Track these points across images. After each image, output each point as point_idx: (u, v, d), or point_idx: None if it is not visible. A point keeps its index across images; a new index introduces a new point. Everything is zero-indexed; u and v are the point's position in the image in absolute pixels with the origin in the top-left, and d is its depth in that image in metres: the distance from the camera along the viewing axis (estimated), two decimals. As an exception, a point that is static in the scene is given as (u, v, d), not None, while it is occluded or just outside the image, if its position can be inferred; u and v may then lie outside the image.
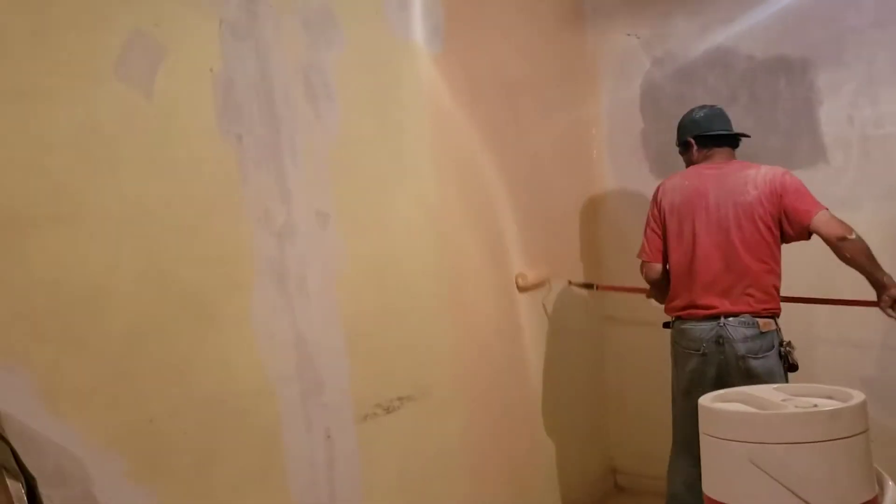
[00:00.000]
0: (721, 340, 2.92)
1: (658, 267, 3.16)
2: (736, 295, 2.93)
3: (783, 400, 1.82)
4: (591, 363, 4.10)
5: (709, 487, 1.87)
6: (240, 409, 2.19)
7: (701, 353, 2.97)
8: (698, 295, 2.99)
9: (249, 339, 2.23)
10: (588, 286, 3.90)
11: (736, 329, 2.90)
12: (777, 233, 2.94)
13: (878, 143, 3.43)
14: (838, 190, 3.47)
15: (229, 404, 2.16)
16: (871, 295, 2.84)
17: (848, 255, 2.78)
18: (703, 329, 2.97)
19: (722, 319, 2.93)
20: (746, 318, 2.91)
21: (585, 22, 4.09)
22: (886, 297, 2.77)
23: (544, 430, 3.65)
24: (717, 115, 3.16)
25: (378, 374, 2.67)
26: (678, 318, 3.08)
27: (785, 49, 3.60)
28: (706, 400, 1.97)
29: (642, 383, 4.04)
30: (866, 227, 3.36)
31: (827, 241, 2.81)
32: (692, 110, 3.22)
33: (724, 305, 2.94)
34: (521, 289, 3.48)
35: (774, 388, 1.97)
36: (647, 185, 3.99)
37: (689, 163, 3.20)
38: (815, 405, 1.76)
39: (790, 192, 2.90)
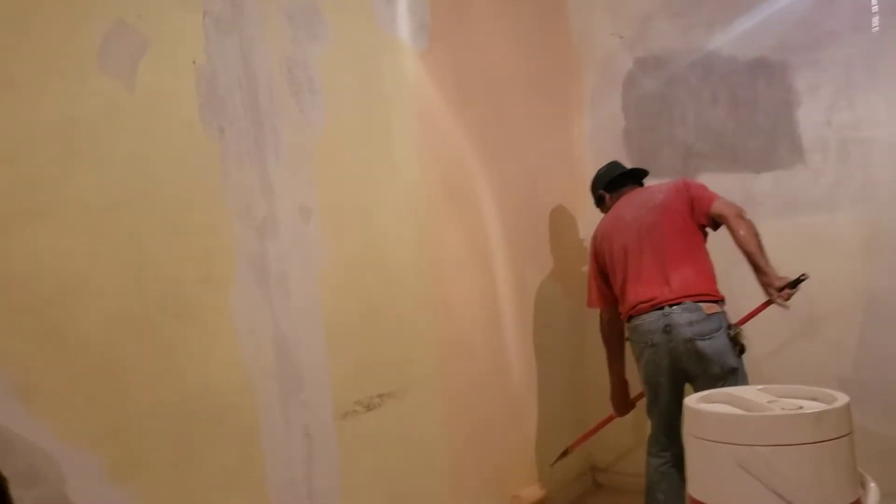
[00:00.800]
0: (668, 328, 3.01)
1: (607, 310, 3.40)
2: (674, 284, 3.06)
3: (769, 402, 1.83)
4: (571, 362, 4.11)
5: (694, 489, 1.87)
6: (218, 407, 2.16)
7: (651, 344, 3.06)
8: (640, 292, 3.14)
9: (229, 335, 2.20)
10: (564, 454, 3.85)
11: (680, 315, 3.00)
12: (693, 223, 3.14)
13: (855, 146, 3.46)
14: (816, 191, 3.51)
15: (208, 401, 2.14)
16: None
17: (742, 231, 2.96)
18: (650, 321, 3.07)
19: (666, 308, 3.03)
20: (688, 304, 3.00)
21: (569, 21, 4.10)
22: (772, 290, 2.93)
23: (525, 428, 3.65)
24: (613, 164, 3.57)
25: (358, 371, 2.65)
26: (630, 317, 3.19)
27: (764, 51, 3.62)
28: (692, 401, 1.97)
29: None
30: (843, 228, 3.42)
31: (726, 218, 3.02)
32: (596, 173, 3.59)
33: (665, 294, 3.06)
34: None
35: (759, 389, 1.98)
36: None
37: (608, 211, 3.49)
38: (801, 407, 1.76)
39: (693, 187, 3.19)
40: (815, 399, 1.87)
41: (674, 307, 3.01)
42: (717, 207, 3.07)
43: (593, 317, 4.14)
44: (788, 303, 2.94)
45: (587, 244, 4.13)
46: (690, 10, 3.79)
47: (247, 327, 2.25)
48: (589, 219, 4.12)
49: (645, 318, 3.09)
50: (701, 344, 2.95)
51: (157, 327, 2.01)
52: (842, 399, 1.79)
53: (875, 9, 3.28)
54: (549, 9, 3.95)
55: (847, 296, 3.50)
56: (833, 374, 3.51)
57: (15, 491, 1.56)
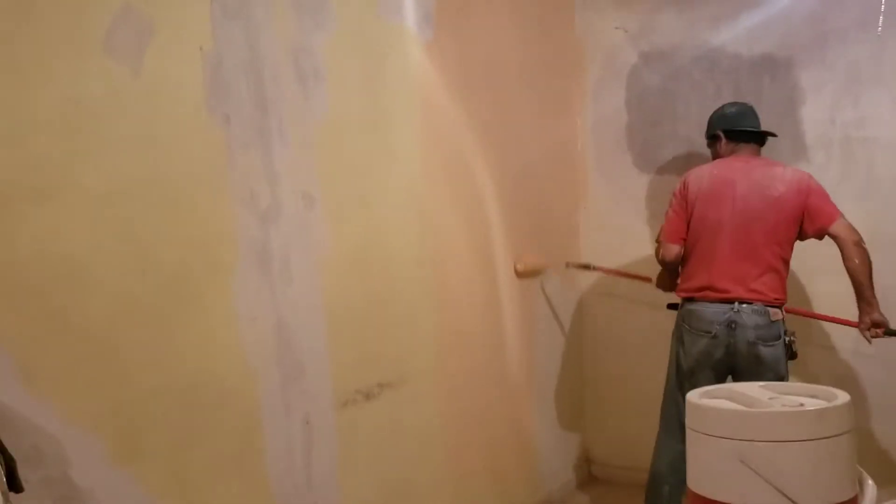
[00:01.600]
0: (733, 325, 3.00)
1: (676, 248, 3.21)
2: (752, 282, 3.03)
3: (770, 398, 1.84)
4: (570, 355, 4.12)
5: (694, 483, 1.88)
6: (220, 392, 2.17)
7: (712, 335, 3.04)
8: (716, 278, 3.07)
9: (231, 321, 2.21)
10: (585, 267, 3.91)
11: (749, 316, 3.00)
12: (795, 230, 3.08)
13: (858, 145, 3.47)
14: (819, 189, 3.51)
15: (209, 387, 2.14)
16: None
17: (857, 261, 2.93)
18: (715, 312, 3.04)
19: (736, 305, 3.02)
20: (759, 306, 3.01)
21: (574, 14, 4.09)
22: (868, 320, 2.97)
23: (522, 419, 3.67)
24: (748, 112, 3.28)
25: (359, 360, 2.66)
26: (690, 298, 3.14)
27: (770, 48, 3.62)
28: (694, 396, 1.98)
29: (620, 374, 4.08)
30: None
31: (843, 243, 2.96)
32: (724, 105, 3.35)
33: (739, 291, 3.03)
34: (520, 274, 3.55)
35: (761, 386, 1.99)
36: (629, 175, 4.02)
37: (716, 155, 3.32)
38: (802, 404, 1.78)
39: (815, 194, 3.06)
40: (815, 397, 1.88)
41: (743, 305, 3.01)
42: (836, 229, 2.99)
43: (592, 309, 4.17)
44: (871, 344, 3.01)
45: (586, 236, 4.13)
46: (696, 5, 3.78)
47: (248, 314, 2.26)
48: (590, 210, 4.13)
49: (710, 307, 3.06)
50: (763, 349, 2.99)
51: (159, 312, 2.01)
52: (843, 397, 1.81)
53: (883, 8, 3.28)
54: (554, 1, 3.94)
55: (846, 293, 3.51)
56: (830, 370, 3.52)
57: (21, 472, 1.56)
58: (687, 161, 3.83)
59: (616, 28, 3.99)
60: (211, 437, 2.14)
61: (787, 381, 3.02)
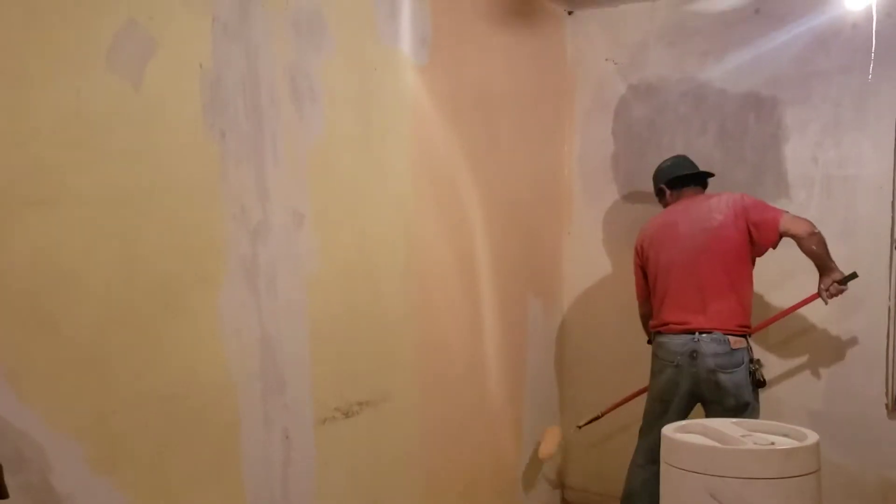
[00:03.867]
0: (694, 354, 3.13)
1: (644, 306, 3.49)
2: (709, 313, 3.16)
3: (742, 435, 1.88)
4: (550, 378, 4.15)
5: (665, 515, 1.92)
6: (201, 404, 2.19)
7: (675, 364, 3.19)
8: (675, 312, 3.24)
9: (215, 334, 2.23)
10: (596, 419, 3.87)
11: (708, 345, 3.12)
12: (745, 253, 3.20)
13: (839, 183, 3.53)
14: (798, 227, 3.57)
15: (191, 398, 2.16)
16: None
17: (814, 248, 3.08)
18: (678, 343, 3.19)
19: (696, 335, 3.15)
20: (718, 335, 3.13)
21: (565, 45, 4.15)
22: (829, 280, 3.13)
23: (501, 442, 3.69)
24: (681, 161, 3.52)
25: (340, 377, 2.68)
26: (658, 332, 3.32)
27: (756, 86, 3.69)
28: (668, 430, 2.02)
29: (597, 401, 4.10)
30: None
31: (798, 237, 3.09)
32: (661, 163, 3.58)
33: (698, 321, 3.17)
34: (545, 457, 3.84)
35: (734, 423, 2.04)
36: (615, 204, 4.08)
37: (665, 206, 3.49)
38: (773, 443, 1.82)
39: (751, 208, 3.19)
40: (786, 435, 1.93)
41: (703, 335, 3.14)
42: (785, 226, 3.11)
43: (572, 333, 4.21)
44: (828, 301, 3.17)
45: (569, 262, 4.18)
46: (685, 41, 3.85)
47: (233, 327, 2.28)
48: (575, 237, 4.18)
49: (673, 339, 3.21)
50: (722, 376, 3.09)
51: (146, 322, 2.03)
52: (812, 437, 1.85)
53: (873, 53, 3.37)
54: (546, 32, 4.01)
55: (821, 330, 3.57)
56: (802, 405, 3.58)
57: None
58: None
59: (606, 60, 4.06)
60: (191, 447, 2.16)
61: (754, 406, 3.12)
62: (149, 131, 2.02)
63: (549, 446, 3.83)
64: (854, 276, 3.18)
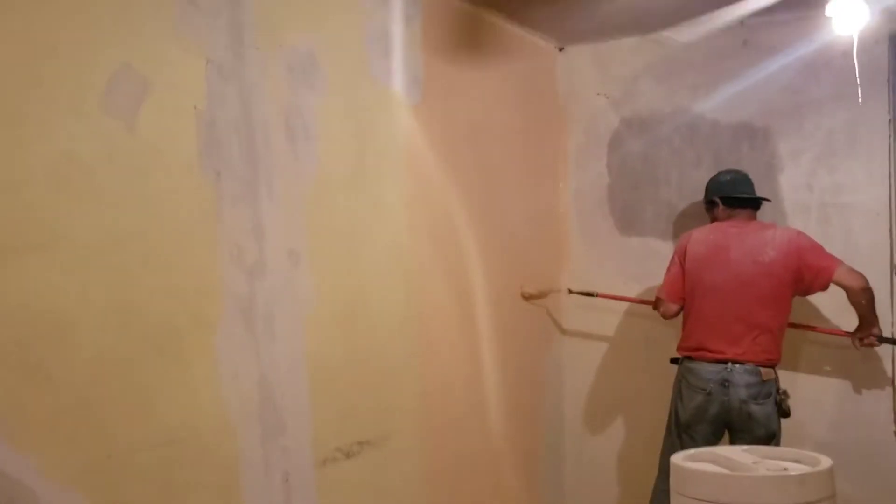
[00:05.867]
0: (726, 384, 3.16)
1: (674, 308, 3.44)
2: (745, 344, 3.19)
3: (754, 462, 1.86)
4: (552, 418, 4.11)
5: (678, 544, 1.88)
6: (199, 448, 2.16)
7: (707, 392, 3.20)
8: (710, 340, 3.24)
9: (213, 376, 2.21)
10: (589, 294, 3.94)
11: (741, 375, 3.16)
12: (791, 291, 3.24)
13: (835, 211, 3.54)
14: (796, 255, 3.57)
15: (189, 443, 2.13)
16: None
17: (864, 302, 3.14)
18: (711, 371, 3.20)
19: (729, 365, 3.17)
20: (751, 366, 3.17)
21: (557, 80, 4.19)
22: (865, 333, 3.19)
23: (505, 482, 3.64)
24: (743, 179, 3.47)
25: (340, 417, 2.65)
26: (688, 357, 3.31)
27: (748, 116, 3.72)
28: (678, 459, 1.99)
29: (600, 433, 4.07)
30: (825, 291, 3.47)
31: (850, 290, 3.15)
32: (720, 173, 3.54)
33: (733, 352, 3.19)
34: (527, 297, 3.76)
35: (744, 450, 2.01)
36: (611, 238, 4.07)
37: (714, 219, 3.49)
38: (786, 469, 1.79)
39: (808, 251, 3.22)
40: (798, 461, 1.90)
41: (736, 365, 3.17)
42: (840, 280, 3.15)
43: (575, 371, 4.17)
44: (861, 349, 3.25)
45: (569, 298, 4.16)
46: (675, 74, 3.89)
47: (231, 370, 2.26)
48: (572, 273, 4.17)
49: (706, 367, 3.22)
50: (754, 407, 3.14)
51: (141, 367, 2.01)
52: (825, 462, 1.82)
53: (858, 80, 3.39)
54: (537, 67, 4.04)
55: (824, 357, 3.55)
56: (810, 434, 3.54)
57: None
58: (667, 224, 3.89)
59: (598, 94, 4.09)
60: (189, 493, 2.12)
61: (779, 437, 3.16)
62: (143, 173, 2.02)
63: (532, 288, 3.82)
64: (894, 342, 3.29)
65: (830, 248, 3.47)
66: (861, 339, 3.22)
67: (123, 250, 1.97)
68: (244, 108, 2.29)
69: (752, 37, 3.67)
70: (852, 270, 3.16)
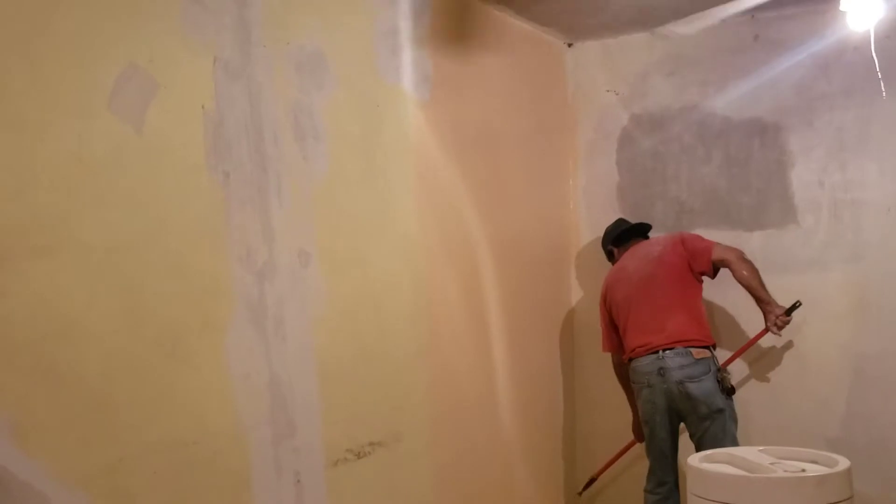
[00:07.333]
0: (662, 371, 3.31)
1: (616, 355, 3.66)
2: (669, 329, 3.35)
3: (771, 463, 1.84)
4: (563, 415, 4.09)
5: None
6: (211, 451, 2.15)
7: (648, 384, 3.37)
8: (640, 337, 3.43)
9: (224, 379, 2.20)
10: (591, 480, 4.04)
11: (672, 359, 3.30)
12: (688, 274, 3.43)
13: (846, 207, 3.51)
14: (808, 251, 3.55)
15: (200, 445, 2.12)
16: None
17: (745, 272, 3.29)
18: (646, 363, 3.37)
19: (661, 353, 3.33)
20: (680, 349, 3.31)
21: (566, 77, 4.16)
22: (772, 317, 3.29)
23: (516, 483, 3.63)
24: (619, 221, 3.84)
25: (351, 418, 2.64)
26: (630, 360, 3.48)
27: (759, 112, 3.69)
28: (695, 461, 1.98)
29: (611, 431, 4.04)
30: (835, 288, 3.46)
31: (729, 263, 3.33)
32: (605, 230, 3.85)
33: (659, 340, 3.35)
34: None
35: (760, 451, 1.99)
36: (621, 236, 4.04)
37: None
38: (804, 470, 1.77)
39: (689, 238, 3.51)
40: (815, 462, 1.88)
41: (667, 352, 3.31)
42: (717, 254, 3.36)
43: (583, 368, 4.16)
44: (781, 332, 3.32)
45: (578, 296, 4.16)
46: (685, 71, 3.86)
47: (242, 371, 2.25)
48: (581, 270, 4.16)
49: (642, 361, 3.38)
50: (690, 386, 3.25)
51: (152, 369, 2.00)
52: (843, 463, 1.80)
53: (879, 74, 3.36)
54: (546, 64, 4.02)
55: (836, 356, 3.52)
56: (820, 432, 3.51)
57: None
58: (677, 221, 3.87)
59: (607, 91, 4.07)
60: (201, 495, 2.11)
61: (729, 413, 3.26)
62: (152, 175, 2.01)
63: None
64: (797, 305, 3.31)
65: (841, 244, 3.49)
66: (774, 325, 3.30)
67: (132, 252, 1.96)
68: (252, 107, 2.28)
69: (763, 31, 3.64)
70: (728, 247, 3.37)
